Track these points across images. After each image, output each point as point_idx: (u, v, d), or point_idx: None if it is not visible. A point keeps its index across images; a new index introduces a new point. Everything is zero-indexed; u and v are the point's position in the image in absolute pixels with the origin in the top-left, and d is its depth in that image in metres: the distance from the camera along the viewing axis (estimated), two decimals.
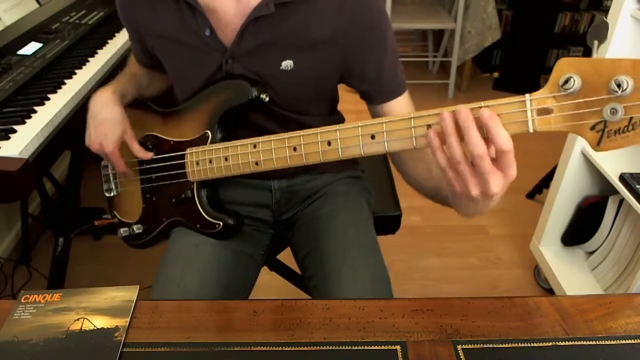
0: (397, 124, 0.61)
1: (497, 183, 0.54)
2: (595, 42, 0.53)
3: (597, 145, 0.52)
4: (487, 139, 0.53)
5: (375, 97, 0.84)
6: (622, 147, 0.51)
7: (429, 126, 0.59)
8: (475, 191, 0.56)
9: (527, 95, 0.54)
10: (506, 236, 1.93)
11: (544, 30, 2.93)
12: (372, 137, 0.63)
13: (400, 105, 0.84)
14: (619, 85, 0.49)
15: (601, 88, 0.50)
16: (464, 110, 0.54)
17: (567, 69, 0.52)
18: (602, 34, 0.52)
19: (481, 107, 0.55)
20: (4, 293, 1.65)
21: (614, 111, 0.50)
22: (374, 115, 0.87)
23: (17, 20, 1.38)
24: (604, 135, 0.52)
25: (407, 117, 0.60)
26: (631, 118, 0.50)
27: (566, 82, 0.51)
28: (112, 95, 0.86)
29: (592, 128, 0.52)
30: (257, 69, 0.80)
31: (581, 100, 0.52)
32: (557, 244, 1.65)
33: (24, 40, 1.33)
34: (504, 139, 0.52)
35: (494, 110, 0.55)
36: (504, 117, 0.55)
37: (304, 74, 0.80)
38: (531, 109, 0.54)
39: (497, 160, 0.54)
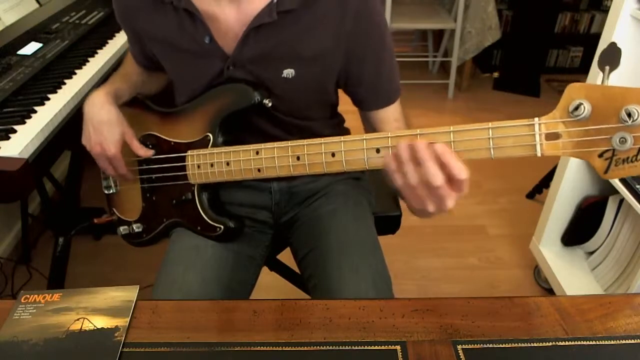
0: (403, 139, 0.60)
1: (452, 201, 0.59)
2: (607, 68, 0.52)
3: (605, 173, 0.52)
4: (444, 170, 0.56)
5: (369, 102, 0.85)
6: (630, 175, 0.51)
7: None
8: (431, 208, 0.60)
9: (536, 119, 0.54)
10: (506, 236, 1.93)
11: (544, 30, 2.93)
12: (377, 151, 0.63)
13: (392, 111, 0.85)
14: (629, 115, 0.48)
15: (611, 116, 0.50)
16: (422, 144, 0.57)
17: (577, 94, 0.51)
18: (614, 59, 0.52)
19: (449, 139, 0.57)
20: (4, 293, 1.65)
21: (623, 140, 0.50)
22: (365, 120, 0.88)
23: (17, 20, 1.38)
24: (611, 163, 0.52)
25: (414, 134, 0.60)
26: None
27: (577, 108, 0.51)
28: (106, 97, 0.85)
29: (601, 156, 0.52)
30: (258, 75, 0.80)
31: (591, 127, 0.51)
32: (557, 244, 1.65)
33: (24, 40, 1.33)
34: (460, 170, 0.55)
35: (502, 132, 0.55)
36: (512, 139, 0.55)
37: (305, 82, 0.80)
38: (540, 134, 0.54)
39: (453, 184, 0.57)
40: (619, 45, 0.52)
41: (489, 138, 0.56)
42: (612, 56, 0.52)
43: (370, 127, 0.89)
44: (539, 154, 0.54)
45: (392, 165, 0.60)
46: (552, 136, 0.54)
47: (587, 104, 0.51)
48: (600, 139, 0.51)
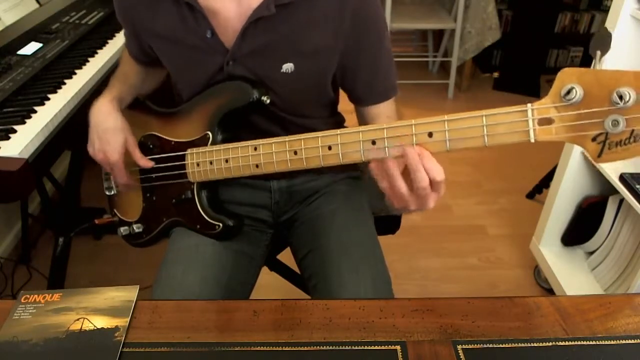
0: (399, 130, 0.61)
1: (433, 201, 0.63)
2: (598, 53, 0.52)
3: (598, 157, 0.52)
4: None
5: (364, 98, 0.86)
6: (623, 159, 0.51)
7: (430, 134, 0.59)
8: (413, 207, 0.64)
9: (528, 105, 0.54)
10: (506, 236, 1.93)
11: (544, 30, 2.93)
12: (373, 142, 0.63)
13: (385, 108, 0.86)
14: (621, 97, 0.48)
15: (603, 99, 0.50)
16: (412, 152, 0.60)
17: (569, 79, 0.52)
18: (605, 44, 0.52)
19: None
20: (4, 293, 1.65)
21: (615, 123, 0.50)
22: (359, 116, 0.90)
23: (17, 20, 1.38)
24: (605, 146, 0.52)
25: (409, 124, 0.60)
26: (633, 130, 0.50)
27: (568, 92, 0.51)
28: (110, 104, 0.86)
29: (594, 139, 0.52)
30: (258, 71, 0.80)
31: (583, 111, 0.52)
32: (557, 244, 1.65)
33: (24, 40, 1.33)
34: (438, 172, 0.59)
35: (495, 119, 0.55)
36: (505, 126, 0.55)
37: (304, 77, 0.80)
38: (532, 119, 0.54)
39: (433, 185, 0.61)
40: (610, 31, 0.52)
41: (483, 125, 0.56)
42: (603, 41, 0.52)
43: (362, 122, 0.91)
44: (532, 140, 0.55)
45: (381, 179, 0.64)
46: (545, 121, 0.54)
47: (579, 87, 0.51)
48: (593, 122, 0.51)
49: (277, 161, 0.71)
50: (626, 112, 0.49)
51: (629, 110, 0.49)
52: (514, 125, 0.55)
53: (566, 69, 0.52)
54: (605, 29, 0.53)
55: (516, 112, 0.55)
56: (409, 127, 0.60)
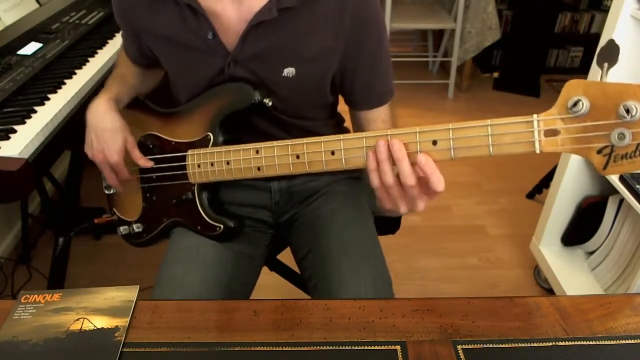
0: (402, 137, 0.61)
1: (423, 204, 0.62)
2: (605, 65, 0.52)
3: (603, 169, 0.52)
4: (422, 178, 0.59)
5: (362, 102, 0.86)
6: (629, 171, 0.51)
7: (434, 142, 0.59)
8: (403, 209, 0.64)
9: (534, 116, 0.54)
10: (506, 236, 1.93)
11: (544, 30, 2.93)
12: None
13: (380, 112, 0.87)
14: (627, 111, 0.48)
15: (609, 112, 0.50)
16: (397, 143, 0.59)
17: (576, 91, 0.52)
18: (612, 56, 0.52)
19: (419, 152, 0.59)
20: (4, 293, 1.65)
21: (621, 136, 0.50)
22: (354, 120, 0.90)
23: (17, 20, 1.38)
24: (610, 159, 0.51)
25: (413, 131, 0.60)
26: (638, 144, 0.49)
27: (575, 104, 0.51)
28: (107, 103, 0.85)
29: (599, 152, 0.52)
30: (259, 74, 0.80)
31: (589, 123, 0.51)
32: (557, 244, 1.65)
33: (24, 40, 1.33)
34: (438, 183, 0.58)
35: (501, 129, 0.55)
36: (511, 136, 0.55)
37: (305, 81, 0.80)
38: (538, 130, 0.54)
39: (429, 190, 0.60)
40: (617, 43, 0.52)
41: (488, 135, 0.56)
42: (611, 53, 0.52)
43: (358, 126, 0.91)
44: (537, 151, 0.54)
45: (371, 163, 0.62)
46: (551, 133, 0.54)
47: (586, 100, 0.51)
48: (599, 135, 0.51)
49: (279, 164, 0.71)
50: (632, 126, 0.49)
51: (636, 124, 0.49)
52: (520, 135, 0.55)
53: (572, 81, 0.52)
54: (613, 40, 0.53)
55: (522, 123, 0.54)
56: (413, 134, 0.60)
